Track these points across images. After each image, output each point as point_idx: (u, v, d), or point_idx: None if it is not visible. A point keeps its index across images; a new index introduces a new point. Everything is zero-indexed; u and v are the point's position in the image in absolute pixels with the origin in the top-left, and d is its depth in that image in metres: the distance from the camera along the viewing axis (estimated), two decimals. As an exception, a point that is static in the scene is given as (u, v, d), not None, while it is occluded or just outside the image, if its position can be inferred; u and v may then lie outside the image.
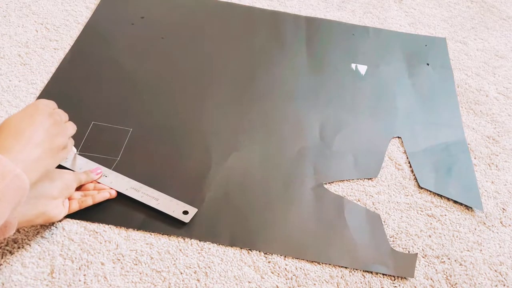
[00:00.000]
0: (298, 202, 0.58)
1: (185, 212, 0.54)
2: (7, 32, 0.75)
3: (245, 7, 0.87)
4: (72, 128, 0.49)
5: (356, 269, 0.53)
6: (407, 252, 0.55)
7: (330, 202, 0.59)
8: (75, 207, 0.52)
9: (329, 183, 0.61)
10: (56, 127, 0.44)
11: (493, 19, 0.96)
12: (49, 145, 0.42)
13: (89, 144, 0.60)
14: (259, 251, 0.53)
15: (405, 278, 0.53)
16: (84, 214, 0.53)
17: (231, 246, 0.53)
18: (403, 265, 0.53)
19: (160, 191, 0.56)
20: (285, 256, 0.53)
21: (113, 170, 0.58)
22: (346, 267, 0.53)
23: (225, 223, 0.55)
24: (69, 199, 0.52)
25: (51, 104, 0.47)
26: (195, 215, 0.54)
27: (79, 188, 0.53)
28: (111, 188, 0.55)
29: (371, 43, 0.84)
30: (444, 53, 0.85)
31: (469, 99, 0.77)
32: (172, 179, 0.58)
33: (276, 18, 0.86)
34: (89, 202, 0.53)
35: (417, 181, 0.63)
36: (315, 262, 0.53)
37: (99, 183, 0.55)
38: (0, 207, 0.36)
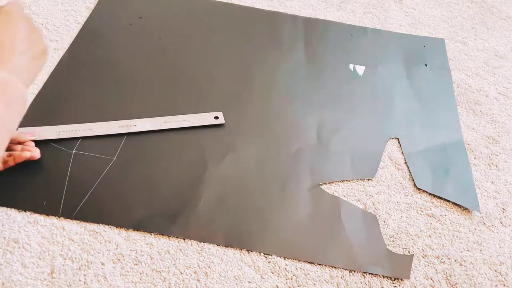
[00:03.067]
0: (295, 203, 0.58)
1: (216, 118, 0.65)
2: (7, 32, 0.74)
3: (242, 7, 0.87)
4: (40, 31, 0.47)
5: (353, 270, 0.53)
6: (407, 252, 0.55)
7: (327, 203, 0.59)
8: None
9: (325, 183, 0.61)
10: (34, 32, 0.44)
11: (493, 19, 0.96)
12: (32, 52, 0.42)
13: (85, 144, 0.60)
14: (259, 252, 0.53)
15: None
16: (84, 214, 0.53)
17: (227, 247, 0.53)
18: (399, 266, 0.53)
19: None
20: (285, 256, 0.53)
21: (108, 170, 0.58)
22: (345, 268, 0.53)
23: (221, 223, 0.55)
24: None
25: (21, 7, 0.45)
26: (187, 218, 0.54)
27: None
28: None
29: (369, 44, 0.84)
30: (443, 54, 0.85)
31: (469, 99, 0.77)
32: (168, 179, 0.58)
33: (274, 18, 0.86)
34: (11, 162, 0.53)
35: (414, 182, 0.63)
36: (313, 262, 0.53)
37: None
38: (13, 116, 0.39)
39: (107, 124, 0.62)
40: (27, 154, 0.54)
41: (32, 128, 0.59)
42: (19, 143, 0.56)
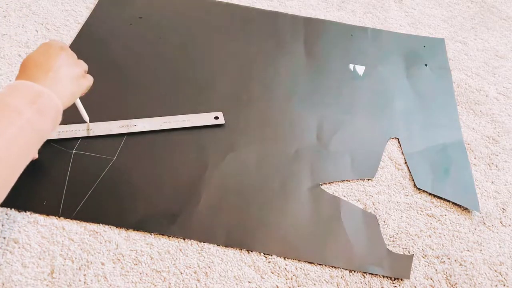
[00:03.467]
0: (295, 203, 0.58)
1: (216, 118, 0.65)
2: (7, 32, 0.75)
3: (242, 7, 0.87)
4: (85, 65, 0.53)
5: (353, 270, 0.53)
6: (407, 252, 0.55)
7: (327, 203, 0.59)
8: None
9: (325, 183, 0.61)
10: (70, 57, 0.49)
11: (493, 19, 0.96)
12: (68, 72, 0.47)
13: (85, 144, 0.60)
14: (259, 252, 0.53)
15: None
16: (84, 214, 0.53)
17: (227, 247, 0.53)
18: (399, 266, 0.53)
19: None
20: (285, 256, 0.53)
21: (108, 170, 0.58)
22: (345, 268, 0.53)
23: (221, 223, 0.55)
24: None
25: (61, 42, 0.51)
26: (187, 218, 0.54)
27: None
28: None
29: (369, 44, 0.84)
30: (443, 54, 0.85)
31: (469, 99, 0.77)
32: (168, 179, 0.58)
33: (274, 18, 0.86)
34: None
35: (414, 182, 0.63)
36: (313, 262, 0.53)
37: None
38: (45, 124, 0.42)
39: (107, 124, 0.62)
40: None
41: None
42: None
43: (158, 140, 0.63)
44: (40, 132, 0.43)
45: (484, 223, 0.60)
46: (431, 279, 0.53)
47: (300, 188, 0.60)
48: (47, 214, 0.53)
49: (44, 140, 0.44)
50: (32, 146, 0.43)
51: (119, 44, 0.76)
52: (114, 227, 0.53)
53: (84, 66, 0.53)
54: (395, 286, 0.52)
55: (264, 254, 0.53)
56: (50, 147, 0.59)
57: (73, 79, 0.48)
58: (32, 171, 0.56)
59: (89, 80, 0.52)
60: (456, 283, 0.53)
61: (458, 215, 0.60)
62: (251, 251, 0.53)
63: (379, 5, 0.95)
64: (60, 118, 0.45)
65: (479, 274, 0.54)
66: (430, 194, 0.62)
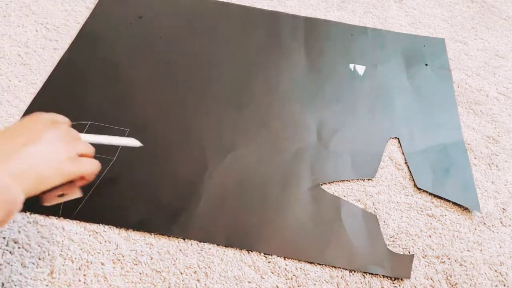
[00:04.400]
0: (295, 203, 0.58)
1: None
2: (7, 32, 0.75)
3: (242, 7, 0.87)
4: (85, 146, 0.44)
5: (353, 270, 0.53)
6: (407, 252, 0.55)
7: (327, 203, 0.59)
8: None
9: (326, 183, 0.61)
10: (58, 134, 0.41)
11: (493, 19, 0.96)
12: (47, 152, 0.39)
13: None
14: (259, 252, 0.53)
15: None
16: (84, 214, 0.53)
17: (227, 247, 0.53)
18: (399, 266, 0.53)
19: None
20: (285, 256, 0.53)
21: (108, 170, 0.58)
22: (345, 268, 0.53)
23: (221, 223, 0.55)
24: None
25: (57, 116, 0.44)
26: (187, 218, 0.54)
27: None
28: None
29: (369, 44, 0.84)
30: (443, 53, 0.85)
31: (469, 99, 0.77)
32: (168, 179, 0.58)
33: (274, 18, 0.86)
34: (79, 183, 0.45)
35: (414, 182, 0.63)
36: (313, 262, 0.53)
37: None
38: None
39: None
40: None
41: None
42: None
43: (158, 140, 0.63)
44: None
45: (484, 223, 0.60)
46: (431, 279, 0.53)
47: (300, 188, 0.60)
48: (47, 214, 0.53)
49: None
50: None
51: (119, 44, 0.76)
52: (114, 227, 0.53)
53: (79, 148, 0.43)
54: (395, 286, 0.52)
55: (264, 254, 0.53)
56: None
57: (51, 160, 0.39)
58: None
59: (82, 165, 0.42)
60: (456, 283, 0.53)
61: (458, 215, 0.60)
62: (251, 251, 0.53)
63: (379, 5, 0.95)
64: (12, 214, 0.36)
65: (479, 274, 0.54)
66: (430, 194, 0.62)
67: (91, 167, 0.44)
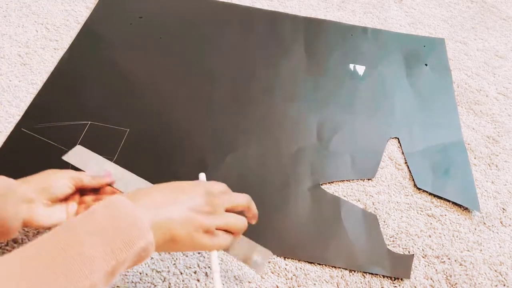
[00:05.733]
0: (295, 203, 0.58)
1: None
2: (7, 32, 0.75)
3: (242, 7, 0.87)
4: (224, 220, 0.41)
5: (353, 270, 0.53)
6: (407, 252, 0.55)
7: (327, 203, 0.59)
8: (62, 215, 0.44)
9: (326, 183, 0.61)
10: (207, 204, 0.39)
11: (493, 19, 0.96)
12: (192, 217, 0.38)
13: (85, 144, 0.60)
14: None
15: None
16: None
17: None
18: (399, 266, 0.53)
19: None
20: (285, 256, 0.53)
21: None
22: (345, 268, 0.53)
23: None
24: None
25: (220, 186, 0.43)
26: None
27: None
28: None
29: (369, 44, 0.84)
30: (443, 54, 0.85)
31: (469, 99, 0.77)
32: (168, 179, 0.58)
33: (275, 18, 0.86)
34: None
35: (414, 182, 0.63)
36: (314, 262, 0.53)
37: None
38: (121, 268, 0.32)
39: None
40: None
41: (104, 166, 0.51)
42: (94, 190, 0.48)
43: (158, 141, 0.63)
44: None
45: (484, 223, 0.60)
46: (431, 279, 0.53)
47: (300, 188, 0.60)
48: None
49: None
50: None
51: (119, 43, 0.76)
52: (114, 227, 0.53)
53: (220, 221, 0.40)
54: (395, 286, 0.52)
55: (264, 254, 0.53)
56: (52, 146, 0.59)
57: (192, 228, 0.38)
58: (32, 171, 0.56)
59: (213, 240, 0.40)
60: (456, 283, 0.53)
61: (458, 215, 0.60)
62: (251, 251, 0.53)
63: (379, 5, 0.95)
64: (144, 259, 0.35)
65: (479, 274, 0.54)
66: (430, 194, 0.62)
67: (225, 242, 0.41)
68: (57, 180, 0.45)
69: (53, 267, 0.28)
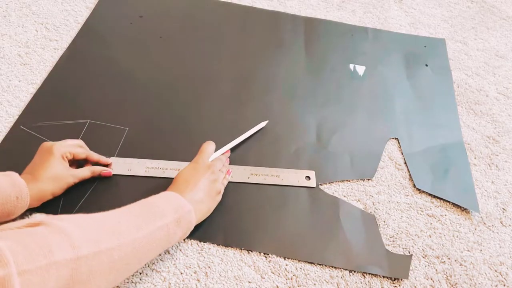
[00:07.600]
0: (294, 203, 0.58)
1: (307, 178, 0.60)
2: (7, 32, 0.75)
3: (243, 7, 0.87)
4: (220, 163, 0.56)
5: (352, 270, 0.53)
6: (407, 252, 0.55)
7: (326, 203, 0.59)
8: (86, 173, 0.55)
9: (325, 183, 0.61)
10: (213, 175, 0.54)
11: (493, 19, 0.96)
12: (208, 190, 0.52)
13: (85, 142, 0.60)
14: (259, 252, 0.53)
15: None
16: (83, 213, 0.53)
17: (227, 247, 0.53)
18: (397, 266, 0.53)
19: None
20: (284, 256, 0.53)
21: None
22: (344, 268, 0.53)
23: (220, 223, 0.55)
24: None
25: (207, 160, 0.56)
26: None
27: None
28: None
29: (369, 44, 0.84)
30: (443, 54, 0.85)
31: (469, 99, 0.77)
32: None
33: (275, 18, 0.86)
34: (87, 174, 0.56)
35: (413, 182, 0.63)
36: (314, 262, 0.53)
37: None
38: (177, 232, 0.46)
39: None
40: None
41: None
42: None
43: (157, 140, 0.63)
44: (170, 238, 0.46)
45: (484, 223, 0.60)
46: (431, 279, 0.53)
47: (300, 188, 0.60)
48: (46, 213, 0.52)
49: (169, 246, 0.48)
50: (159, 248, 0.45)
51: (119, 43, 0.76)
52: (114, 227, 0.53)
53: (223, 184, 0.56)
54: (395, 286, 0.52)
55: (264, 254, 0.53)
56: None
57: (211, 195, 0.53)
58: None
59: (221, 195, 0.55)
60: (456, 283, 0.53)
61: (458, 215, 0.60)
62: (251, 251, 0.53)
63: (379, 5, 0.95)
64: (188, 233, 0.49)
65: (479, 274, 0.54)
66: (430, 194, 0.62)
67: (226, 181, 0.58)
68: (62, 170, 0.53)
69: (140, 212, 0.45)
